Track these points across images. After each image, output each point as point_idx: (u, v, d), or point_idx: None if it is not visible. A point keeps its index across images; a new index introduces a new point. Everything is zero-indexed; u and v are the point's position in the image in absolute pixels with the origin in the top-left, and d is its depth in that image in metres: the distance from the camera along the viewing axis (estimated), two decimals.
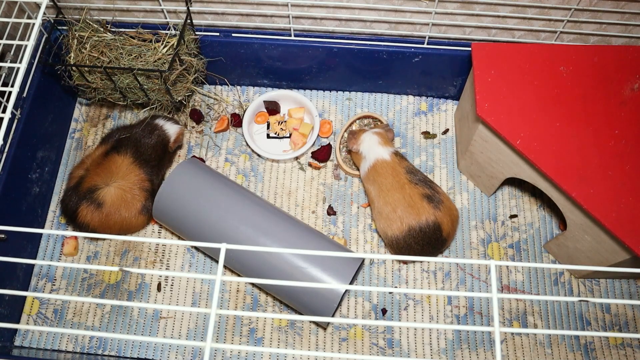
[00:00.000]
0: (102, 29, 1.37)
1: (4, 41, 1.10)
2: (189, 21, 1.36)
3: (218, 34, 1.45)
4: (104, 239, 1.43)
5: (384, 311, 1.35)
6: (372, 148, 1.35)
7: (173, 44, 1.34)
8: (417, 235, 1.27)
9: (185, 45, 1.37)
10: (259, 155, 1.51)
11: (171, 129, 1.44)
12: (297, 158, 1.52)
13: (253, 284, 1.38)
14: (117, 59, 1.33)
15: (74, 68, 1.33)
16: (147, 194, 1.36)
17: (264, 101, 1.56)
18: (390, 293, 1.37)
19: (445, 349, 1.32)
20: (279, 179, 1.50)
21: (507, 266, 1.39)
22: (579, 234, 1.23)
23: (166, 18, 1.41)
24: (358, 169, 1.43)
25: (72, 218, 1.33)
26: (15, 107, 1.35)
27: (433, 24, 1.39)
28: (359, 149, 1.37)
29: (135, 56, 1.34)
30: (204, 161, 1.51)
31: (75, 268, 1.41)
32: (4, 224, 1.28)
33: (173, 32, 1.38)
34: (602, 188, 1.11)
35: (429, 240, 1.27)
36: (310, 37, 1.45)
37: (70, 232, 0.70)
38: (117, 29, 1.40)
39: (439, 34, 1.44)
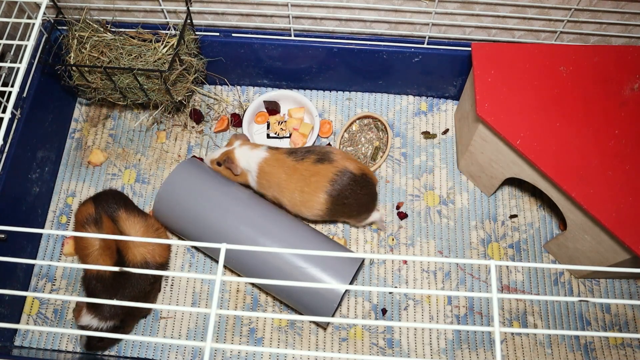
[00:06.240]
0: (102, 29, 1.37)
1: (4, 41, 1.10)
2: (189, 21, 1.36)
3: (218, 34, 1.45)
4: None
5: (384, 311, 1.35)
6: (249, 157, 1.32)
7: (173, 44, 1.34)
8: (342, 193, 1.26)
9: (185, 45, 1.37)
10: None
11: None
12: None
13: (253, 284, 1.38)
14: (117, 59, 1.33)
15: (74, 68, 1.33)
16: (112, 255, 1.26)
17: (264, 101, 1.55)
18: (390, 293, 1.37)
19: (445, 349, 1.32)
20: None
21: (507, 266, 1.39)
22: (579, 234, 1.23)
23: (166, 18, 1.41)
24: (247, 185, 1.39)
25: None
26: (15, 107, 1.35)
27: (433, 24, 1.39)
28: (241, 167, 1.32)
29: (135, 56, 1.34)
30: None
31: (75, 268, 1.41)
32: (4, 224, 1.28)
33: (173, 32, 1.38)
34: (602, 188, 1.11)
35: (353, 187, 1.27)
36: (310, 37, 1.45)
37: (70, 232, 0.70)
38: (117, 29, 1.40)
39: (439, 34, 1.44)
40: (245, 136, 1.40)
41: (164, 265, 1.30)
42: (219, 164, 1.35)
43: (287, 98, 1.56)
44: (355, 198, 1.29)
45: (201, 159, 1.51)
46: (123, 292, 1.22)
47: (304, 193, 1.28)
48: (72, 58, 1.34)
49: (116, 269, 0.66)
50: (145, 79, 1.34)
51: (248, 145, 1.34)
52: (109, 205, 1.27)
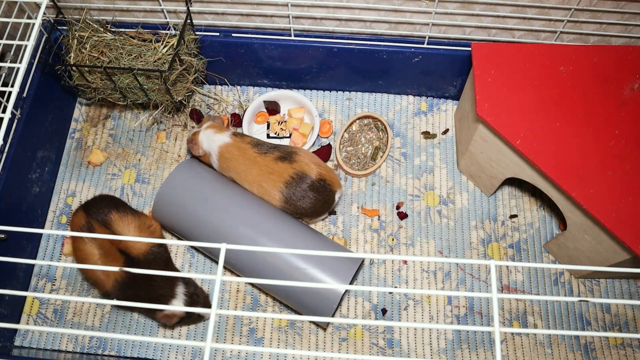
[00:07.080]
0: (102, 29, 1.37)
1: (4, 41, 1.10)
2: (189, 21, 1.36)
3: (218, 34, 1.45)
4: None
5: (384, 311, 1.35)
6: (211, 140, 1.34)
7: (173, 44, 1.34)
8: (295, 195, 1.28)
9: (185, 45, 1.37)
10: None
11: None
12: None
13: (253, 284, 1.38)
14: (117, 59, 1.33)
15: (74, 68, 1.33)
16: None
17: (264, 101, 1.56)
18: (390, 293, 1.37)
19: (445, 349, 1.32)
20: None
21: (507, 266, 1.39)
22: (579, 234, 1.23)
23: (166, 18, 1.41)
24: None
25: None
26: (15, 107, 1.35)
27: (433, 24, 1.39)
28: (203, 149, 1.35)
29: (135, 56, 1.34)
30: None
31: (75, 268, 1.41)
32: (4, 224, 1.28)
33: (173, 32, 1.38)
34: (602, 188, 1.11)
35: (307, 192, 1.28)
36: (310, 37, 1.45)
37: (70, 232, 0.70)
38: (117, 29, 1.40)
39: (439, 34, 1.44)
40: (220, 119, 1.42)
41: (164, 247, 1.32)
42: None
43: (287, 98, 1.56)
44: (309, 202, 1.30)
45: None
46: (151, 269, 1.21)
47: (262, 188, 1.30)
48: (72, 58, 1.34)
49: (115, 269, 0.66)
50: (145, 79, 1.34)
51: (214, 128, 1.36)
52: (99, 212, 1.26)
